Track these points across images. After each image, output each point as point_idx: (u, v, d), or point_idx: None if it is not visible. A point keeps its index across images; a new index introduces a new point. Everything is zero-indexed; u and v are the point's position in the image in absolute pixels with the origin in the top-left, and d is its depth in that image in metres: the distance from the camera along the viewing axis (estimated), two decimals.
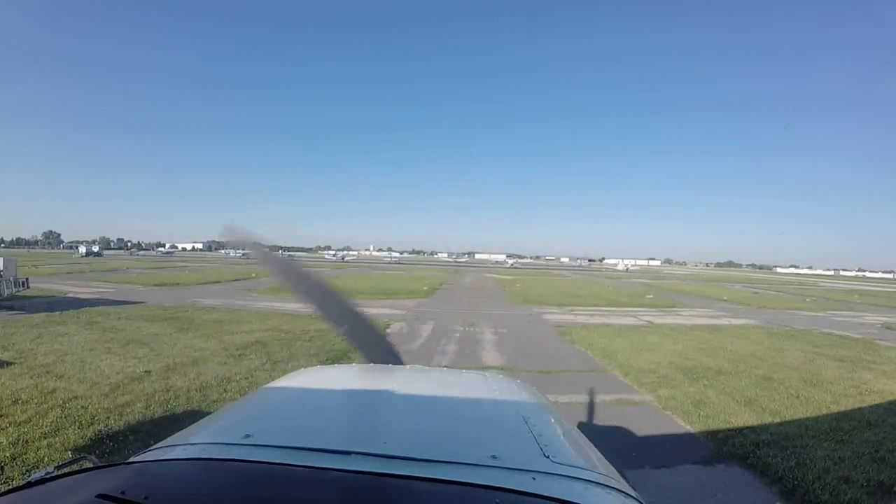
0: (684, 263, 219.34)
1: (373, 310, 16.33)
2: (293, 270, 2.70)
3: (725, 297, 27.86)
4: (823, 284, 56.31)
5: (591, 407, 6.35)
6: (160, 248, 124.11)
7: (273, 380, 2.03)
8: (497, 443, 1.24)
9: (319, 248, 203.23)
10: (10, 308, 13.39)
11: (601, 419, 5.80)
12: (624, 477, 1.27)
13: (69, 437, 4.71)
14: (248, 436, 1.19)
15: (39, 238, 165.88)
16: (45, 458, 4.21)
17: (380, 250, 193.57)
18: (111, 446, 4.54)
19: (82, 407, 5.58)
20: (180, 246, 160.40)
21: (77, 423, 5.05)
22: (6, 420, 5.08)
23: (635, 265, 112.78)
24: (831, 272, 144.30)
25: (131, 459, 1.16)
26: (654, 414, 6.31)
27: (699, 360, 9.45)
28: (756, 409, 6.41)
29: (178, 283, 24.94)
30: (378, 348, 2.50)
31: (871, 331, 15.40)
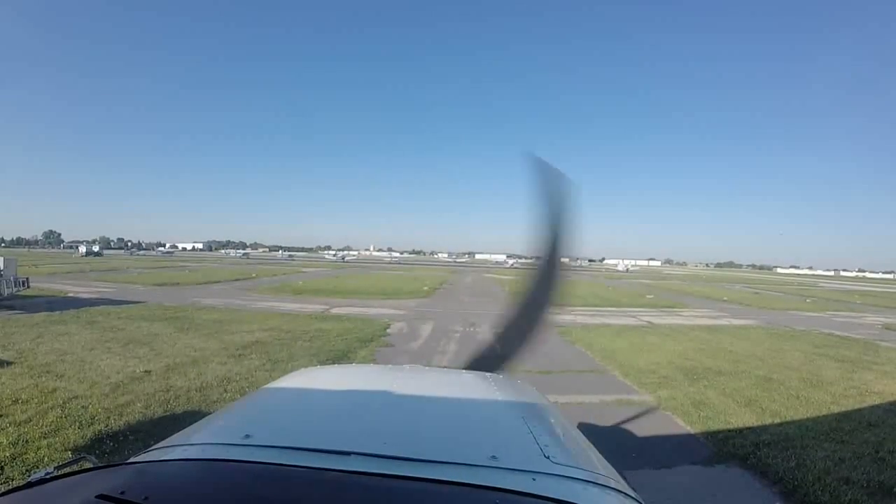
0: (684, 264, 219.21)
1: (373, 310, 16.35)
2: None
3: (725, 298, 27.86)
4: (823, 285, 56.30)
5: (591, 407, 6.35)
6: (160, 248, 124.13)
7: (273, 380, 2.03)
8: (497, 443, 1.24)
9: (319, 248, 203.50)
10: (11, 308, 13.39)
11: (601, 420, 5.79)
12: (624, 477, 1.27)
13: (69, 437, 4.71)
14: (248, 436, 1.19)
15: (39, 238, 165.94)
16: (45, 458, 4.20)
17: (380, 250, 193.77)
18: (111, 446, 4.54)
19: (82, 407, 5.57)
20: (180, 246, 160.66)
21: (77, 423, 5.05)
22: (6, 420, 5.08)
23: (635, 265, 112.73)
24: (831, 272, 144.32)
25: (131, 460, 1.16)
26: (654, 414, 6.30)
27: (699, 361, 9.44)
28: (756, 409, 6.40)
29: (178, 283, 24.94)
30: (495, 352, 2.69)
31: (872, 331, 15.39)
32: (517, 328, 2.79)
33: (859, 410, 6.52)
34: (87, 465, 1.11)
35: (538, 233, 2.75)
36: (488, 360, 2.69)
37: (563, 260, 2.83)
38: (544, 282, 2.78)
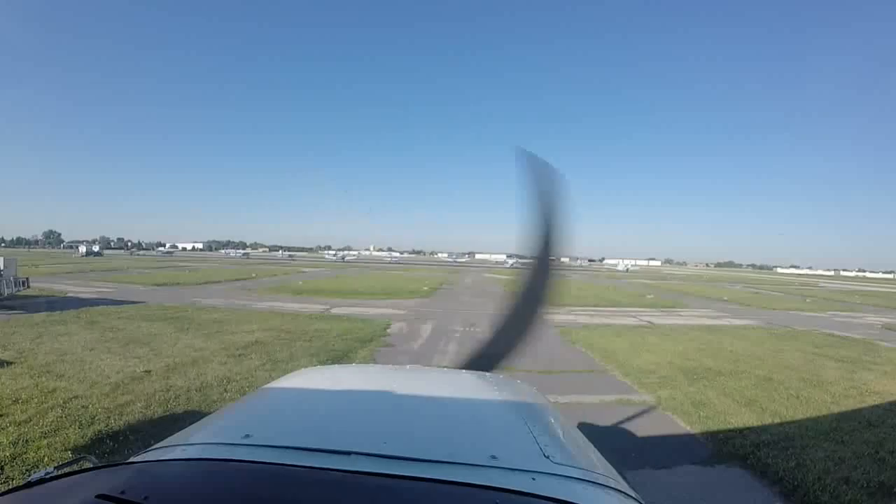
0: (685, 264, 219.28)
1: (374, 310, 16.34)
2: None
3: (726, 298, 27.84)
4: (824, 285, 56.26)
5: (591, 407, 6.35)
6: (160, 248, 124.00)
7: (273, 380, 2.03)
8: (497, 443, 1.24)
9: (319, 248, 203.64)
10: (11, 307, 13.39)
11: (601, 419, 5.79)
12: (624, 477, 1.27)
13: (69, 436, 4.71)
14: (248, 436, 1.20)
15: (40, 238, 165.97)
16: (45, 458, 4.21)
17: (380, 250, 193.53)
18: (111, 446, 4.55)
19: (82, 406, 5.58)
20: (180, 246, 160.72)
21: (77, 423, 5.05)
22: (6, 419, 5.08)
23: (635, 265, 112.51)
24: (831, 272, 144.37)
25: (131, 459, 1.16)
26: (654, 415, 6.30)
27: (699, 361, 9.44)
28: (756, 409, 6.40)
29: (178, 283, 24.93)
30: (491, 350, 2.74)
31: (872, 331, 15.38)
32: (512, 327, 2.80)
33: (859, 410, 6.52)
34: (87, 464, 1.11)
35: (530, 230, 2.75)
36: (484, 359, 2.70)
37: (555, 258, 2.83)
38: (538, 280, 2.79)
